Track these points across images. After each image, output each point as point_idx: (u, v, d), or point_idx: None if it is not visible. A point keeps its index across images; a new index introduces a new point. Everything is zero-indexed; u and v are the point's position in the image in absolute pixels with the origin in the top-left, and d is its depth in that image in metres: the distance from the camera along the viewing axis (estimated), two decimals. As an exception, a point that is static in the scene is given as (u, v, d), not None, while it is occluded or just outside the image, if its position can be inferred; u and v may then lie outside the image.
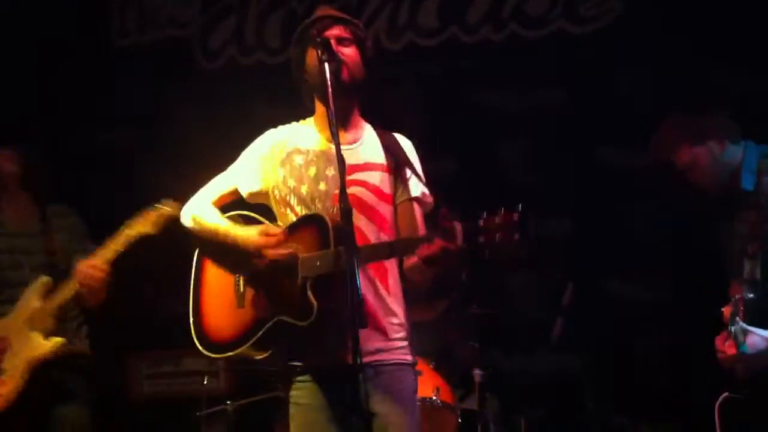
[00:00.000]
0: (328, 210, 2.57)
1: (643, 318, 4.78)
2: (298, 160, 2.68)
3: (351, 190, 2.48)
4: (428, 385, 3.97)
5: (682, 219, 4.49)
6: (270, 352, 2.58)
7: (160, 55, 5.55)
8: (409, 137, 2.85)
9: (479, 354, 4.36)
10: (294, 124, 2.80)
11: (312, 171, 2.65)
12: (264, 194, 2.73)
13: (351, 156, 2.61)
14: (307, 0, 5.33)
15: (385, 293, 2.62)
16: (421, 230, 2.70)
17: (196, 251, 2.76)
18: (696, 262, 4.34)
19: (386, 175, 2.69)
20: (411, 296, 2.73)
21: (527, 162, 5.13)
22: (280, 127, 2.79)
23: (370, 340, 2.51)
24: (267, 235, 2.55)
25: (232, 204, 2.78)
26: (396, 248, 2.58)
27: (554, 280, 4.38)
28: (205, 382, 4.56)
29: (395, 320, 2.64)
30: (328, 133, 2.63)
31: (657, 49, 4.82)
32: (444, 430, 4.07)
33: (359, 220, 2.56)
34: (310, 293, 2.45)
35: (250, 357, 2.61)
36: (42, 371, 3.49)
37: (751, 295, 3.11)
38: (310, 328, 2.43)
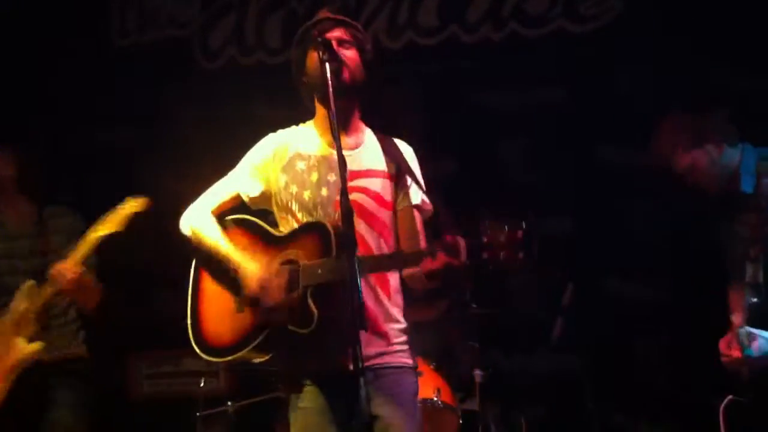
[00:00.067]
0: (330, 216, 2.58)
1: (643, 317, 4.78)
2: (300, 165, 2.68)
3: (352, 196, 2.48)
4: (429, 386, 3.97)
5: (681, 218, 4.49)
6: (270, 356, 2.58)
7: (160, 55, 5.54)
8: (409, 137, 2.85)
9: (479, 354, 4.35)
10: (294, 127, 2.80)
11: (314, 177, 2.66)
12: (266, 200, 2.73)
13: (352, 162, 2.62)
14: (308, 0, 5.34)
15: (385, 300, 2.64)
16: (421, 237, 2.72)
17: (194, 259, 2.77)
18: (696, 262, 4.33)
19: (387, 182, 2.70)
20: (411, 296, 2.74)
21: (527, 161, 5.12)
22: (280, 132, 2.79)
23: (371, 345, 2.53)
24: (263, 287, 2.52)
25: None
26: (398, 260, 2.60)
27: (554, 279, 4.38)
28: (202, 384, 4.54)
29: (396, 325, 2.65)
30: (329, 137, 2.64)
31: (657, 48, 4.82)
32: (445, 430, 4.07)
33: (360, 226, 2.57)
34: (310, 301, 2.46)
35: (250, 361, 2.62)
36: (28, 375, 3.52)
37: (755, 299, 3.11)
38: (310, 336, 2.44)
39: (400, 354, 2.64)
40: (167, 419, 4.89)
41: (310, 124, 2.79)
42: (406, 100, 5.04)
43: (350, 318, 2.22)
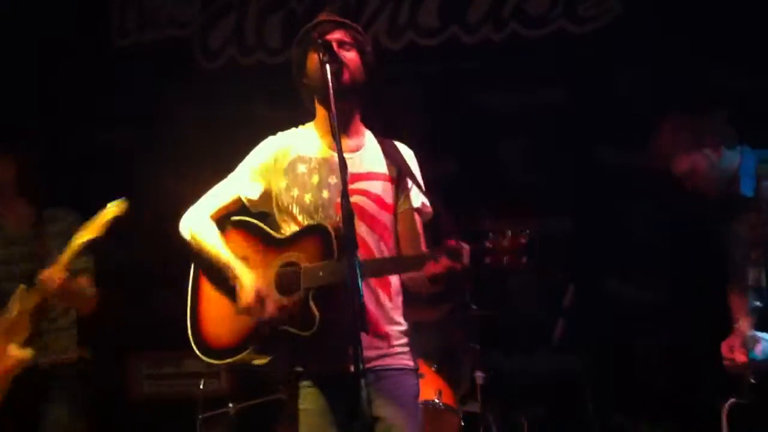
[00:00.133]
0: (331, 218, 2.58)
1: (643, 318, 4.78)
2: (301, 168, 2.69)
3: (353, 199, 2.48)
4: (430, 388, 3.96)
5: (681, 219, 4.49)
6: (270, 358, 2.59)
7: (160, 55, 5.54)
8: (410, 137, 2.86)
9: (480, 356, 4.35)
10: (294, 130, 2.80)
11: (315, 179, 2.66)
12: (266, 202, 2.74)
13: (353, 164, 2.63)
14: (308, 0, 5.33)
15: (386, 301, 2.65)
16: (422, 240, 2.73)
17: (194, 263, 2.77)
18: (695, 263, 4.34)
19: (388, 185, 2.71)
20: (412, 298, 2.75)
21: (527, 161, 5.12)
22: (280, 134, 2.79)
23: (372, 347, 2.53)
24: (258, 300, 2.53)
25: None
26: (401, 264, 2.61)
27: (554, 279, 4.38)
28: (202, 386, 4.54)
29: (397, 327, 2.66)
30: (329, 139, 2.65)
31: (656, 49, 4.82)
32: (446, 432, 4.07)
33: (360, 229, 2.57)
34: (312, 304, 2.47)
35: (250, 363, 2.62)
36: (25, 379, 3.52)
37: (758, 303, 3.11)
38: (311, 338, 2.45)
39: (401, 356, 2.65)
40: (168, 420, 4.89)
41: (310, 126, 2.79)
42: (407, 101, 5.04)
43: (351, 320, 2.22)
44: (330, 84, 2.47)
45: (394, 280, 2.69)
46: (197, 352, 2.67)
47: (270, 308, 2.51)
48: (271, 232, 2.69)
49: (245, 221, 2.74)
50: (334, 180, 2.63)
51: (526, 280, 4.82)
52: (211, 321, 2.69)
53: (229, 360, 2.62)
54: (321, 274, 2.48)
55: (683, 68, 4.69)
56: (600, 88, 4.97)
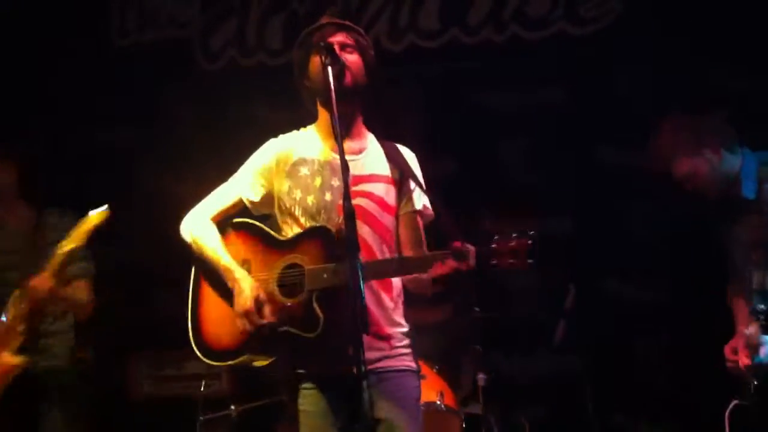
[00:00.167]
0: (334, 220, 2.59)
1: (643, 318, 4.78)
2: (304, 170, 2.69)
3: (355, 201, 2.50)
4: (432, 390, 3.96)
5: (681, 219, 4.49)
6: (272, 359, 2.59)
7: (161, 56, 5.54)
8: (410, 137, 2.86)
9: (482, 358, 4.35)
10: (295, 132, 2.80)
11: (318, 181, 2.66)
12: (268, 204, 2.74)
13: (356, 167, 2.64)
14: (309, 2, 5.33)
15: (388, 303, 2.65)
16: (424, 242, 2.74)
17: (194, 266, 2.77)
18: (695, 262, 4.34)
19: (391, 187, 2.72)
20: (414, 299, 2.75)
21: (527, 162, 5.12)
22: (281, 137, 2.80)
23: (373, 348, 2.54)
24: (258, 301, 2.53)
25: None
26: (406, 265, 2.61)
27: (555, 280, 4.38)
28: (202, 388, 4.53)
29: (398, 329, 2.67)
30: (332, 141, 2.66)
31: (656, 49, 4.82)
32: (448, 434, 4.06)
33: (363, 230, 2.58)
34: (316, 305, 2.47)
35: (251, 364, 2.62)
36: (21, 385, 3.52)
37: (762, 306, 3.11)
38: (315, 339, 2.46)
39: (403, 357, 2.65)
40: (168, 420, 4.88)
41: (311, 128, 2.80)
42: (407, 101, 5.04)
43: (354, 321, 2.23)
44: (332, 86, 2.48)
45: (396, 281, 2.69)
46: (198, 353, 2.68)
47: (267, 314, 2.51)
48: (273, 233, 2.69)
49: (246, 223, 2.74)
50: (336, 182, 2.63)
51: (527, 282, 4.82)
52: (212, 323, 2.68)
53: (229, 362, 2.63)
54: (325, 275, 2.48)
55: (683, 68, 4.69)
56: (600, 88, 4.97)
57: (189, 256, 2.77)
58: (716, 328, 3.40)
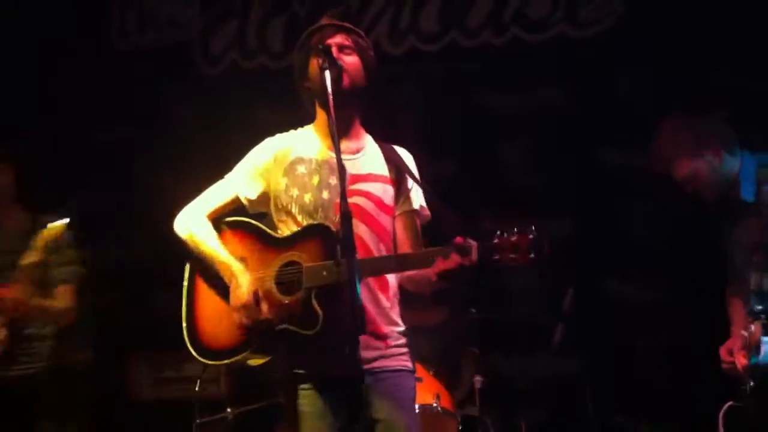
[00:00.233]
0: (331, 219, 2.58)
1: (643, 318, 4.78)
2: (301, 168, 2.68)
3: (353, 199, 2.50)
4: (429, 392, 3.95)
5: (681, 220, 4.49)
6: (269, 358, 2.59)
7: (161, 56, 5.54)
8: (410, 138, 2.86)
9: (479, 359, 4.35)
10: (293, 131, 2.80)
11: (315, 180, 2.66)
12: (264, 203, 2.73)
13: (353, 166, 2.64)
14: (310, 4, 5.33)
15: (385, 303, 2.65)
16: (421, 242, 2.74)
17: (190, 262, 2.77)
18: (695, 263, 4.34)
19: (389, 187, 2.72)
20: (413, 299, 2.75)
21: (528, 163, 5.12)
22: (278, 136, 2.79)
23: (371, 348, 2.54)
24: (257, 296, 2.53)
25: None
26: (408, 261, 2.60)
27: (554, 281, 4.38)
28: (197, 389, 4.52)
29: (395, 328, 2.66)
30: (329, 141, 2.65)
31: (657, 50, 4.82)
32: (445, 436, 4.06)
33: (360, 229, 2.58)
34: (315, 303, 2.47)
35: (248, 363, 2.61)
36: (15, 390, 3.53)
37: (760, 307, 3.11)
38: (313, 337, 2.45)
39: (400, 357, 2.65)
40: (168, 421, 4.88)
41: (309, 127, 2.79)
42: (407, 101, 5.04)
43: (351, 321, 2.22)
44: (329, 90, 2.48)
45: (393, 281, 2.69)
46: (193, 352, 2.66)
47: (265, 309, 2.51)
48: (270, 231, 2.68)
49: (242, 221, 2.74)
50: (334, 181, 2.63)
51: (527, 282, 4.82)
52: (208, 321, 2.67)
53: (226, 360, 2.62)
54: (324, 273, 2.48)
55: (684, 69, 4.69)
56: (601, 89, 4.97)
57: (185, 255, 2.76)
58: (716, 328, 3.40)
